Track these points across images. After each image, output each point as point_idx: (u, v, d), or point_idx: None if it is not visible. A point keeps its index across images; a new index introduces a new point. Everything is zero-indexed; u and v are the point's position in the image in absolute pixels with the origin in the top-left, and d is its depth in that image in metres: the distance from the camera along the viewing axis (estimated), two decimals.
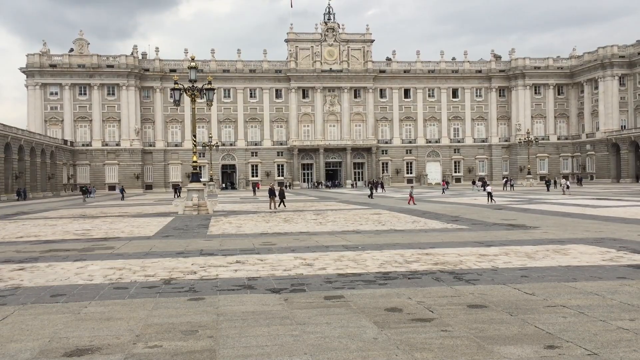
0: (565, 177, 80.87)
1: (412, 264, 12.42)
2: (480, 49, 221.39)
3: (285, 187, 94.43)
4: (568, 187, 55.50)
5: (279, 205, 36.39)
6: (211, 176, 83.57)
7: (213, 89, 33.77)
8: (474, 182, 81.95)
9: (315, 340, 6.80)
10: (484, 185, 74.20)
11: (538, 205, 34.74)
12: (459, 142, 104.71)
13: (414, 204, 38.09)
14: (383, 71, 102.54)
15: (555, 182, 75.13)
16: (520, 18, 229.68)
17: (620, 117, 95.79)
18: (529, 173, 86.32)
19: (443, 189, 63.38)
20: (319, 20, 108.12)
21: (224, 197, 60.88)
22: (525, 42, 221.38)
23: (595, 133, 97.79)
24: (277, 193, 36.35)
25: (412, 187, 44.60)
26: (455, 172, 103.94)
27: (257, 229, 21.73)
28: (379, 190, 71.32)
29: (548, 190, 61.43)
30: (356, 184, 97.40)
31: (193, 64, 33.16)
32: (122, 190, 61.07)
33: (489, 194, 39.43)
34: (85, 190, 58.33)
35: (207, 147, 78.40)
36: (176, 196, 62.57)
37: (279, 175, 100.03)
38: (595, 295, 8.98)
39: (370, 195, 50.94)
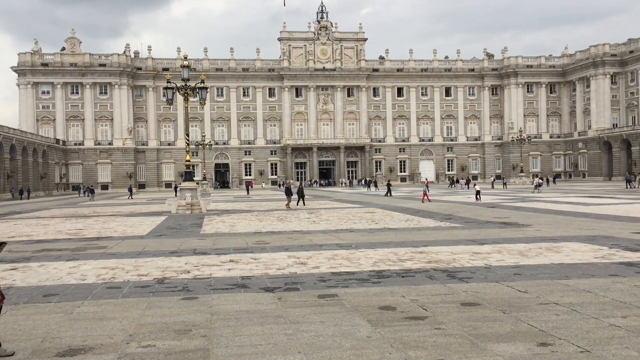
0: (537, 175, 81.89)
1: (406, 263, 12.43)
2: (474, 47, 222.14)
3: (279, 185, 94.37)
4: (540, 185, 55.76)
5: (297, 204, 36.11)
6: (204, 175, 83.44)
7: (206, 88, 33.67)
8: (457, 181, 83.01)
9: (309, 339, 6.79)
10: (468, 183, 74.87)
11: (530, 203, 34.86)
12: (452, 140, 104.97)
13: (429, 201, 38.45)
14: (376, 70, 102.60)
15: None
16: (513, 17, 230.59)
17: (612, 115, 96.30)
18: (521, 171, 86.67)
19: (427, 187, 64.01)
20: (312, 19, 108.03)
21: (218, 196, 60.76)
22: (518, 40, 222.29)
23: (588, 131, 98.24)
24: (293, 191, 35.94)
25: (426, 185, 44.86)
26: (449, 170, 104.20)
27: (251, 228, 21.70)
28: (372, 188, 71.47)
29: (536, 188, 61.89)
30: (350, 182, 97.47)
31: (186, 62, 33.05)
32: (130, 190, 62.97)
33: (478, 192, 39.40)
34: (92, 190, 62.10)
35: (200, 146, 78.23)
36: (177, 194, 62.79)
37: (272, 174, 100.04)
38: (587, 292, 9.02)
39: (388, 194, 50.45)
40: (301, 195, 36.61)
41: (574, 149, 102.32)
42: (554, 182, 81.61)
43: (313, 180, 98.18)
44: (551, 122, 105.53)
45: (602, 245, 14.51)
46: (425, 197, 39.61)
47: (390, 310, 8.16)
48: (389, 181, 61.41)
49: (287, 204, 34.62)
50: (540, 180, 59.48)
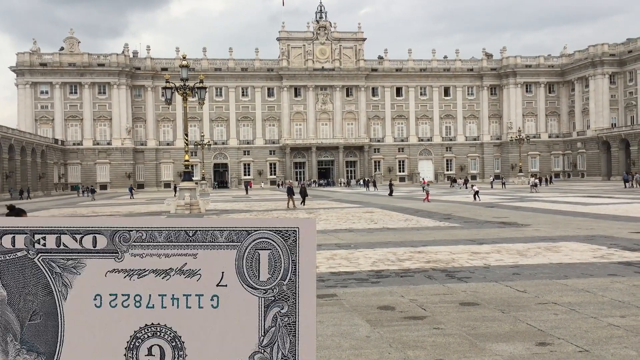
0: (534, 175, 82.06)
1: (405, 262, 12.43)
2: (473, 47, 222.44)
3: (278, 185, 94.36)
4: (536, 185, 55.78)
5: (301, 204, 36.12)
6: (203, 175, 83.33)
7: (205, 88, 33.64)
8: (455, 180, 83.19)
9: None
10: (466, 183, 75.08)
11: (529, 203, 34.88)
12: (450, 140, 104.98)
13: (429, 201, 38.59)
14: (375, 70, 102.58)
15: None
16: (513, 17, 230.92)
17: (610, 115, 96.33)
18: (520, 171, 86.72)
19: (423, 187, 64.30)
20: (311, 18, 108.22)
21: (216, 196, 60.74)
22: (518, 40, 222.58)
23: (586, 131, 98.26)
24: (295, 191, 35.94)
25: (428, 184, 45.30)
26: (447, 170, 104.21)
27: None
28: (371, 188, 71.50)
29: (532, 188, 62.17)
30: (348, 182, 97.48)
31: (184, 62, 33.02)
32: (130, 190, 63.33)
33: (476, 193, 39.41)
34: (93, 190, 63.31)
35: (199, 146, 78.19)
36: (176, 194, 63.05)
37: (271, 174, 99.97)
38: (586, 292, 9.03)
39: (390, 194, 51.72)
40: (304, 195, 36.64)
41: (572, 148, 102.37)
42: (551, 181, 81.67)
43: (312, 180, 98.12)
44: (550, 122, 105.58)
45: (600, 245, 14.51)
46: (427, 198, 39.68)
47: (389, 310, 8.16)
48: (390, 181, 61.64)
49: (292, 204, 34.63)
50: (536, 180, 59.57)
